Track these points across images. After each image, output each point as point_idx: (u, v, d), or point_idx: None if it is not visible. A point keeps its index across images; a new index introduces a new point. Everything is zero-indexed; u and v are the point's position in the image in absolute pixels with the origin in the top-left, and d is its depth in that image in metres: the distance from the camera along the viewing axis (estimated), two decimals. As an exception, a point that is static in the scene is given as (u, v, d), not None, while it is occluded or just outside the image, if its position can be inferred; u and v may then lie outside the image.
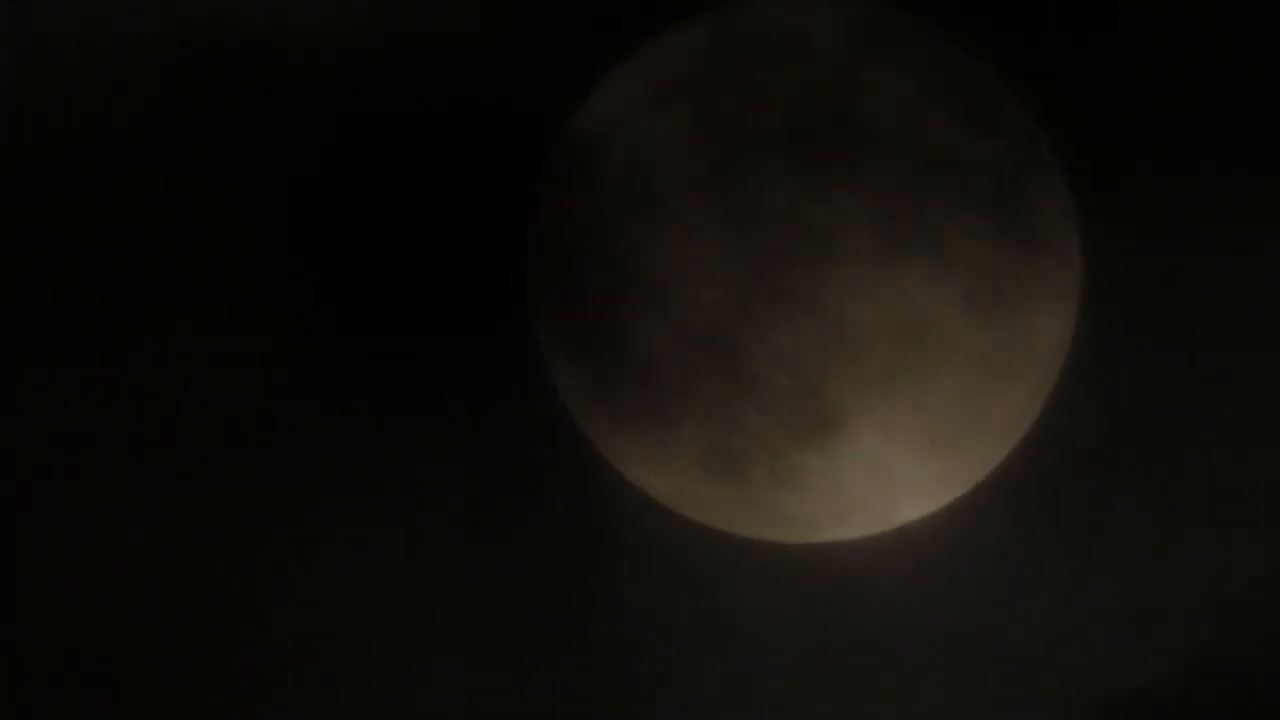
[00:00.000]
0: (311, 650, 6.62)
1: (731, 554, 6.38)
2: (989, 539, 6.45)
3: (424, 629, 6.62)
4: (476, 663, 6.63)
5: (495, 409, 6.51)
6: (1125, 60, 6.31)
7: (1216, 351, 6.35)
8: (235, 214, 6.48)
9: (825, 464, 5.96)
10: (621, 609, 6.55)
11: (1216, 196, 6.30)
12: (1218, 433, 6.38)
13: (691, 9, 6.21)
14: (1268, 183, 6.31)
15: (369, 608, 6.61)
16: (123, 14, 6.32)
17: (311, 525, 6.60)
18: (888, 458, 5.97)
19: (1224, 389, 6.36)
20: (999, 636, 6.56)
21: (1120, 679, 6.61)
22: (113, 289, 6.50)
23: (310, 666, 6.63)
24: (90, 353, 6.49)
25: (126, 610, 6.55)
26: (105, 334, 6.48)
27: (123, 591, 6.58)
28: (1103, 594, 6.53)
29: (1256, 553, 6.48)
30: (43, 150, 6.44)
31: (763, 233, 5.77)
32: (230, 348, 6.49)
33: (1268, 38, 6.30)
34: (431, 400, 6.54)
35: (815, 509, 6.12)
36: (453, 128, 6.48)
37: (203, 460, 6.58)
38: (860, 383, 5.84)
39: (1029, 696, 6.61)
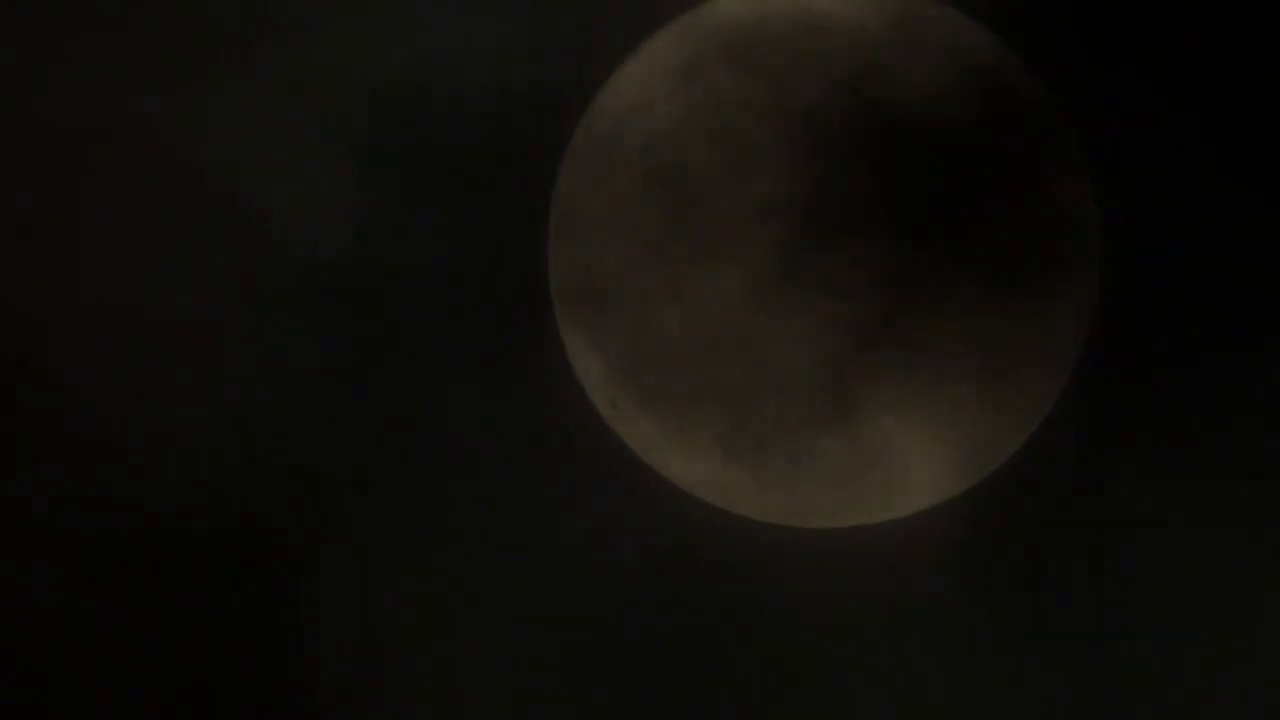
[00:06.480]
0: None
1: (749, 538, 6.37)
2: (1006, 525, 6.44)
3: (447, 628, 6.63)
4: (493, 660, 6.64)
5: (516, 397, 6.50)
6: (1143, 43, 6.32)
7: (1239, 337, 6.35)
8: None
9: (843, 449, 5.95)
10: (642, 593, 6.54)
11: (1238, 182, 6.31)
12: (1240, 420, 6.38)
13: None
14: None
15: (395, 610, 6.62)
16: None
17: (326, 526, 6.60)
18: (905, 443, 5.96)
19: (1246, 374, 6.36)
20: (1011, 624, 6.56)
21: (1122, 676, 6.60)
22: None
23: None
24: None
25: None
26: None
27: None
28: (1112, 584, 6.53)
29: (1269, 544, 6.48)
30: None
31: (781, 218, 5.77)
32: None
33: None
34: (453, 390, 6.54)
35: (832, 494, 6.10)
36: (470, 113, 6.48)
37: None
38: (878, 368, 5.83)
39: (1033, 693, 6.60)
